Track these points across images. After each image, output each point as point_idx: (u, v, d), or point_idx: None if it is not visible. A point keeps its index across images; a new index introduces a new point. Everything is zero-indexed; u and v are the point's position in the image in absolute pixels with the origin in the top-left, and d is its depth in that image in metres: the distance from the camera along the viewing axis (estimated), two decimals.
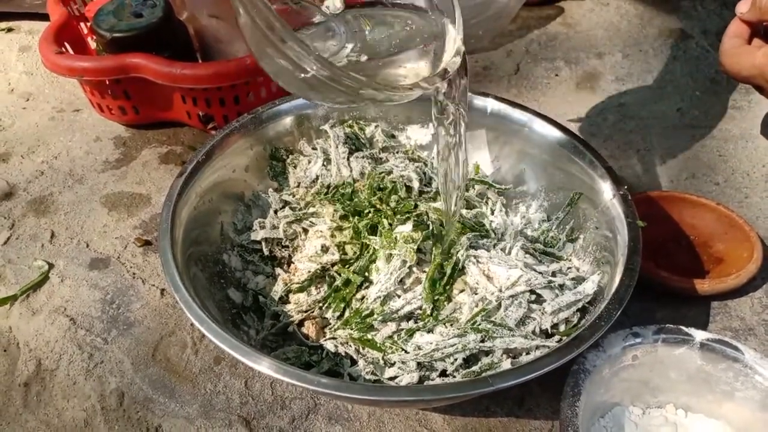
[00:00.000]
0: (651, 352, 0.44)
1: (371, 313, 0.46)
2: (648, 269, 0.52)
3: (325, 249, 0.50)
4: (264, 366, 0.38)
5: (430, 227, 0.49)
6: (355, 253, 0.49)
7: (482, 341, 0.44)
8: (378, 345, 0.45)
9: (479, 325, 0.44)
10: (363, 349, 0.46)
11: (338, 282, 0.48)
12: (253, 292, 0.50)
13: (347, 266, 0.49)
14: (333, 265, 0.49)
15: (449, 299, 0.47)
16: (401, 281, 0.47)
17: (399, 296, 0.47)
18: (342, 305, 0.48)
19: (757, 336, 0.51)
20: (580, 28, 0.88)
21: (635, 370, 0.44)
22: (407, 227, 0.48)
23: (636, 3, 0.92)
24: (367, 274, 0.49)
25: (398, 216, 0.50)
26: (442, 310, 0.46)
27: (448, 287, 0.47)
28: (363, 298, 0.48)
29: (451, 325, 0.45)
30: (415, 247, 0.47)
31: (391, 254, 0.47)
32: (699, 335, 0.44)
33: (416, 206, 0.52)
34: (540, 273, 0.47)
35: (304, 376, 0.38)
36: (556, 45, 0.86)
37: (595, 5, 0.92)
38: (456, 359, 0.44)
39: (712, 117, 0.73)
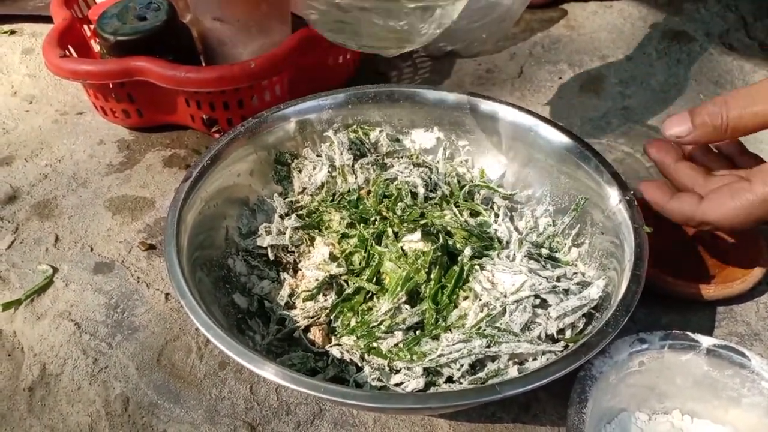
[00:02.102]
0: (657, 358, 0.44)
1: (379, 324, 0.46)
2: (653, 274, 0.52)
3: (333, 257, 0.50)
4: (270, 372, 0.38)
5: (440, 239, 0.49)
6: (361, 262, 0.49)
7: (488, 346, 0.44)
8: (383, 353, 0.45)
9: (484, 330, 0.44)
10: (368, 355, 0.45)
11: (349, 290, 0.48)
12: (258, 297, 0.50)
13: (355, 275, 0.49)
14: (341, 274, 0.49)
15: (455, 306, 0.47)
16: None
17: (406, 309, 0.47)
18: (351, 315, 0.48)
19: (763, 341, 0.51)
20: (584, 30, 0.88)
21: (642, 376, 0.44)
22: (415, 236, 0.48)
23: (639, 5, 0.92)
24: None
25: (405, 224, 0.50)
26: (447, 318, 0.46)
27: (454, 296, 0.47)
28: (370, 308, 0.48)
29: (457, 330, 0.45)
30: (427, 266, 0.47)
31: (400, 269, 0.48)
32: (705, 341, 0.44)
33: (423, 214, 0.52)
34: (545, 278, 0.47)
35: (310, 382, 0.38)
36: (560, 48, 0.85)
37: (598, 8, 0.92)
38: (462, 365, 0.44)
39: None
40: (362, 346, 0.46)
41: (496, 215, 0.55)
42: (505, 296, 0.45)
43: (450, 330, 0.45)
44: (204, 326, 0.40)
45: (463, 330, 0.45)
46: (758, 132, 0.45)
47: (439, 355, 0.44)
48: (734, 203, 0.44)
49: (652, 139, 0.50)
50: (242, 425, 0.47)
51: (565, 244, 0.53)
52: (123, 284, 0.57)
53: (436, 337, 0.45)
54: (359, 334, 0.46)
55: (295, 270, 0.52)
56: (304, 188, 0.56)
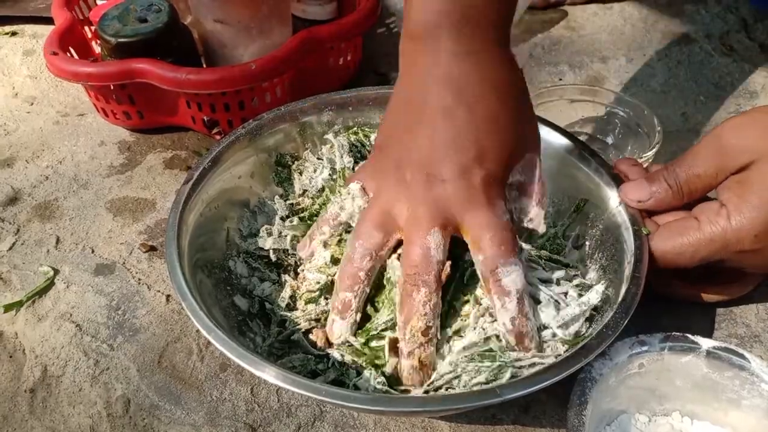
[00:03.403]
0: (657, 360, 0.44)
1: (379, 333, 0.45)
2: (653, 276, 0.51)
3: (334, 260, 0.50)
4: (270, 375, 0.38)
5: None
6: None
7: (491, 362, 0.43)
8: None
9: (489, 351, 0.43)
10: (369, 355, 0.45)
11: None
12: (259, 298, 0.50)
13: None
14: None
15: (455, 311, 0.46)
16: None
17: None
18: None
19: (763, 343, 0.51)
20: (584, 32, 0.88)
21: (642, 378, 0.44)
22: None
23: (640, 7, 0.92)
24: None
25: None
26: (450, 324, 0.46)
27: (455, 302, 0.46)
28: (371, 314, 0.47)
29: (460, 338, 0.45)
30: None
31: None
32: (705, 343, 0.44)
33: None
34: (542, 281, 0.46)
35: (311, 385, 0.38)
36: (560, 49, 0.86)
37: (598, 9, 0.92)
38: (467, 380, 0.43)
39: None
40: (365, 353, 0.45)
41: None
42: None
43: (451, 339, 0.45)
44: (205, 328, 0.41)
45: (468, 352, 0.44)
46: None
47: (453, 377, 0.43)
48: (681, 240, 0.45)
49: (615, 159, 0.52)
50: (243, 427, 0.47)
51: (565, 245, 0.53)
52: (124, 286, 0.57)
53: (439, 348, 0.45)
54: (361, 341, 0.46)
55: (296, 272, 0.52)
56: (305, 190, 0.56)
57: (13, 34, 0.91)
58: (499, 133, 0.43)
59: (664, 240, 0.46)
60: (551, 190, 0.55)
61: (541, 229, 0.48)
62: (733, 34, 0.86)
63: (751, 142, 0.43)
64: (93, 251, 0.61)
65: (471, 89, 0.43)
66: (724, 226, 0.44)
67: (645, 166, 0.53)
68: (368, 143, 0.58)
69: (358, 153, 0.57)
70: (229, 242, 0.53)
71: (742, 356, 0.43)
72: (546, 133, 0.54)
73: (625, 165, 0.51)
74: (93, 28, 0.75)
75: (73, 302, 0.56)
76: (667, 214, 0.48)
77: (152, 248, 0.61)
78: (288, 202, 0.56)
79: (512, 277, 0.41)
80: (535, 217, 0.48)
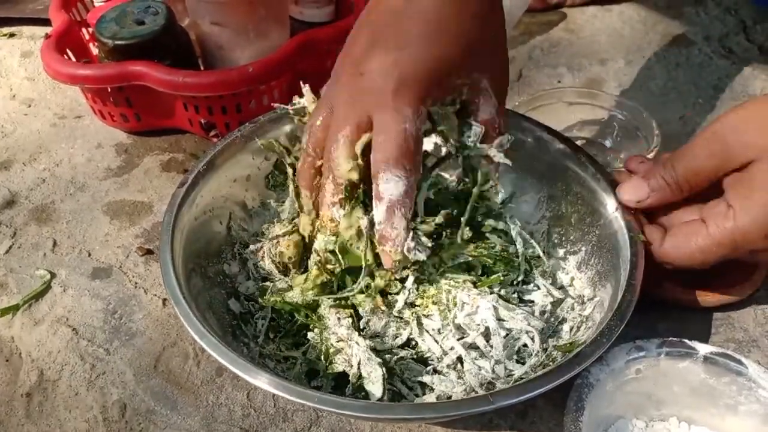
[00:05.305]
0: (654, 365, 0.44)
1: None
2: (650, 280, 0.51)
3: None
4: (263, 382, 0.38)
5: None
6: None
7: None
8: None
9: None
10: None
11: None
12: (244, 296, 0.50)
13: None
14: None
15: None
16: None
17: None
18: None
19: (761, 348, 0.51)
20: (583, 34, 0.88)
21: (639, 384, 0.44)
22: None
23: (639, 9, 0.92)
24: None
25: None
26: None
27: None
28: None
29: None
30: None
31: None
32: (703, 348, 0.44)
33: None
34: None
35: (303, 392, 0.38)
36: (559, 51, 0.85)
37: (597, 11, 0.92)
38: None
39: None
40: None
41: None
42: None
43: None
44: (198, 334, 0.40)
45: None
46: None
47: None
48: (690, 246, 0.45)
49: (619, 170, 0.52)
50: None
51: (561, 252, 0.52)
52: (120, 290, 0.57)
53: None
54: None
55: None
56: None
57: (11, 35, 0.91)
58: (435, 43, 0.42)
59: (674, 247, 0.46)
60: (548, 196, 0.55)
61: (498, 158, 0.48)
62: (732, 36, 0.86)
63: (752, 139, 0.43)
64: (90, 255, 0.61)
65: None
66: (731, 228, 0.43)
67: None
68: None
69: None
70: (225, 245, 0.53)
71: (739, 362, 0.43)
72: (544, 138, 0.54)
73: (635, 163, 0.51)
74: (90, 30, 0.75)
75: (70, 306, 0.56)
76: (676, 212, 0.48)
77: (149, 252, 0.61)
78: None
79: (388, 186, 0.41)
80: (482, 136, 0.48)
